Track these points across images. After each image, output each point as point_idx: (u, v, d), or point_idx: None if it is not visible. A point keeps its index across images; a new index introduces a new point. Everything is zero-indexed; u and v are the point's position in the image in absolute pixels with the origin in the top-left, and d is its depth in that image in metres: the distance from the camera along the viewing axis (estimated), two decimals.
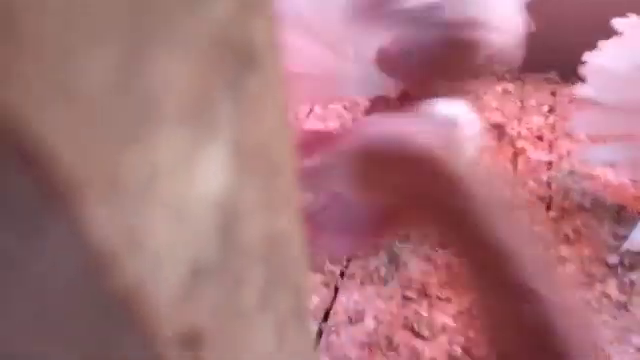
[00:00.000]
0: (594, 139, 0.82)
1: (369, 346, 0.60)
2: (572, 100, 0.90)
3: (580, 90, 0.72)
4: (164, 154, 0.08)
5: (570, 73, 0.93)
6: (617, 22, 0.67)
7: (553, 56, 0.92)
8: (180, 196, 0.09)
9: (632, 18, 0.67)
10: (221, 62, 0.09)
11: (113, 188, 0.07)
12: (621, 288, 0.65)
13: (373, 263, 0.67)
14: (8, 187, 0.06)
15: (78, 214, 0.07)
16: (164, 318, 0.10)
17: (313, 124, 0.87)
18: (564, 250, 0.69)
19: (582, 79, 0.70)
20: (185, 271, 0.10)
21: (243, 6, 0.09)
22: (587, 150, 0.79)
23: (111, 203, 0.07)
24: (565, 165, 0.83)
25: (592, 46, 0.70)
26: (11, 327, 0.10)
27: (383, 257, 0.68)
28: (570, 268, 0.67)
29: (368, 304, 0.63)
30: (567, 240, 0.70)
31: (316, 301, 0.63)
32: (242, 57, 0.09)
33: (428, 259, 0.67)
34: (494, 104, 0.97)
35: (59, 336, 0.11)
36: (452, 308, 0.62)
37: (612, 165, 0.79)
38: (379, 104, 0.51)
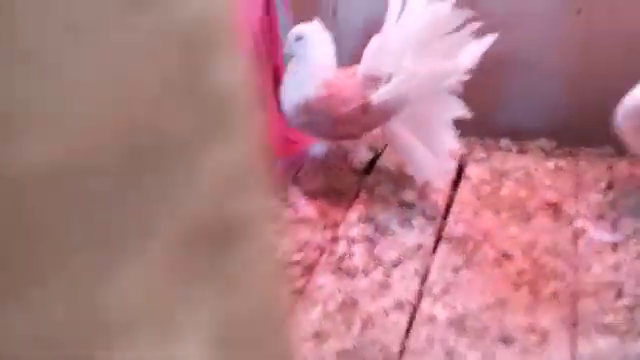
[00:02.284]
0: None
1: None
2: (632, 175, 0.85)
3: None
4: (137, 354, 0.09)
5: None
6: None
7: (607, 129, 0.89)
8: None
9: None
10: (197, 249, 0.10)
11: None
12: None
13: None
14: None
15: None
16: None
17: None
18: None
19: None
20: None
21: (227, 182, 0.10)
22: None
23: None
24: (633, 246, 0.76)
25: None
26: None
27: None
28: None
29: None
30: None
31: None
32: (220, 239, 0.10)
33: None
34: (547, 181, 0.93)
35: None
36: None
37: None
38: None
